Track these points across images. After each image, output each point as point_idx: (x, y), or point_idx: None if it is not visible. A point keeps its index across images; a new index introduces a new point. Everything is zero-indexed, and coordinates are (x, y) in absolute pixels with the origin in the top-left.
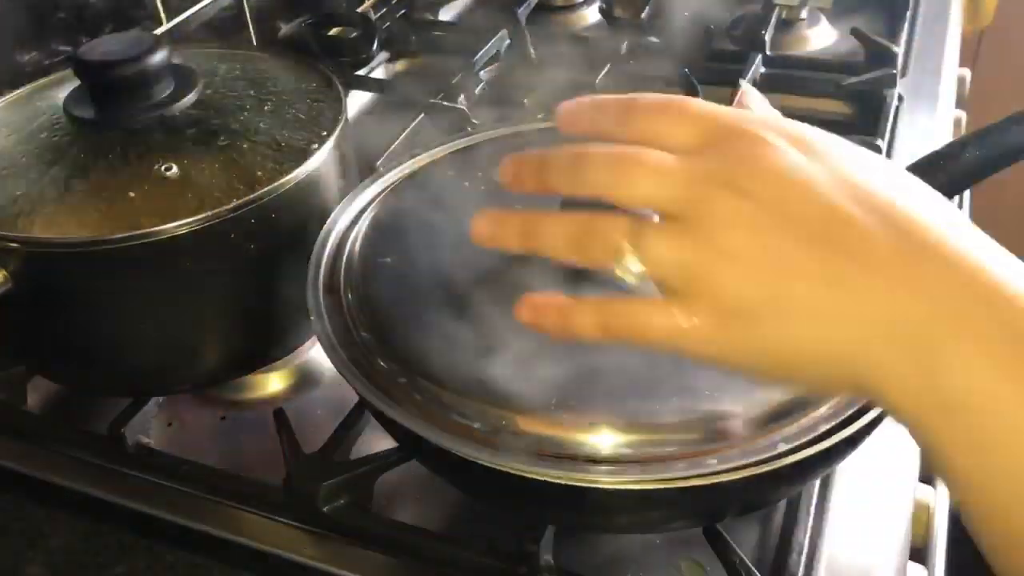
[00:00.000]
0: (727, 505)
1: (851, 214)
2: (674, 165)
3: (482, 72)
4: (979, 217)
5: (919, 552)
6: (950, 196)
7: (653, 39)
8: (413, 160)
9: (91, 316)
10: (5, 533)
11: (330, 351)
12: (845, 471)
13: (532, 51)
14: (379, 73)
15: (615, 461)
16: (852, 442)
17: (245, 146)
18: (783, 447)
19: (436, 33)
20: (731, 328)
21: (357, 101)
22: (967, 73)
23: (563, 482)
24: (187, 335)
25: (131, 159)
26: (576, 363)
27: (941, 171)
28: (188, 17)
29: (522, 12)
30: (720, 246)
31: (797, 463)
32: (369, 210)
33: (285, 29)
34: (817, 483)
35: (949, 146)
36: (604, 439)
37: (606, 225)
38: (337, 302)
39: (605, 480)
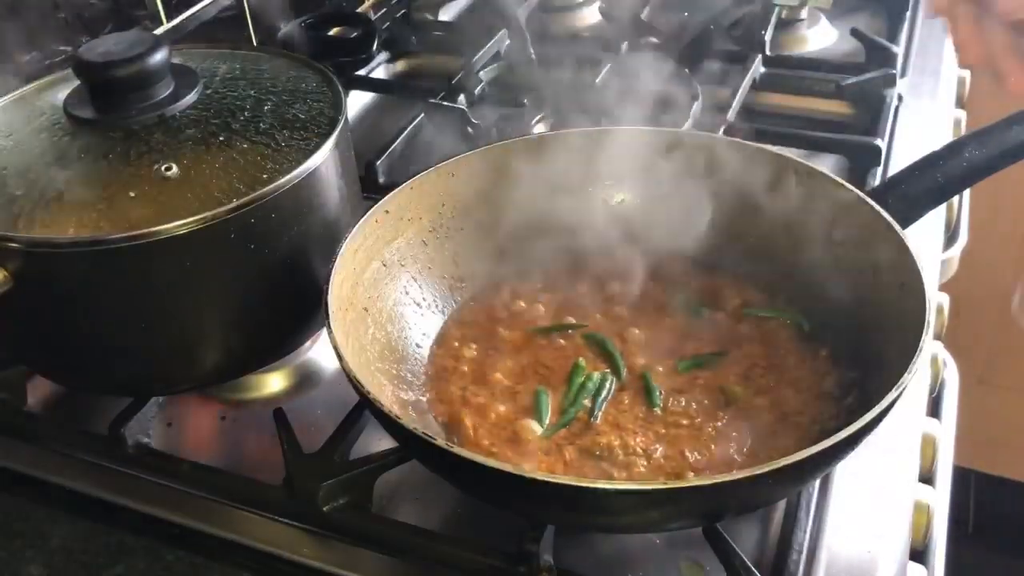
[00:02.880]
0: (727, 505)
1: None
2: None
3: (482, 72)
4: (978, 218)
5: (919, 552)
6: (949, 196)
7: (653, 39)
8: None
9: (91, 316)
10: (5, 533)
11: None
12: (845, 471)
13: (532, 51)
14: (379, 73)
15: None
16: (852, 442)
17: (245, 146)
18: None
19: (436, 33)
20: None
21: (357, 101)
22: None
23: (563, 482)
24: (187, 335)
25: (131, 159)
26: None
27: (940, 171)
28: (188, 17)
29: (522, 12)
30: None
31: (797, 463)
32: None
33: (285, 29)
34: (817, 483)
35: (948, 146)
36: None
37: None
38: None
39: (605, 481)
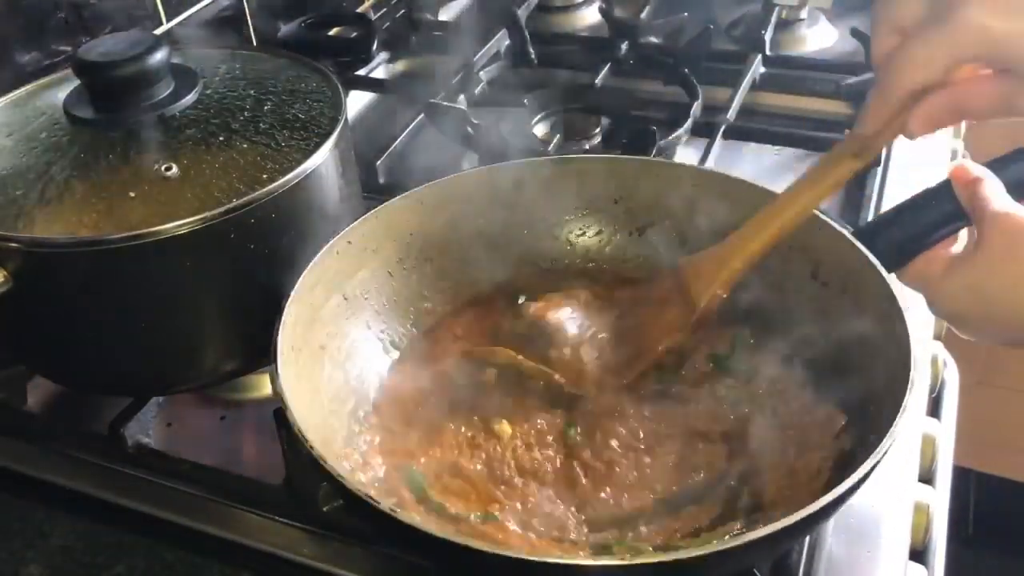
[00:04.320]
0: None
1: None
2: None
3: (482, 72)
4: None
5: (919, 552)
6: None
7: (653, 39)
8: None
9: (91, 316)
10: (5, 533)
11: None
12: None
13: (532, 51)
14: (379, 73)
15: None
16: (834, 507)
17: (245, 146)
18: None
19: (436, 33)
20: None
21: (357, 101)
22: None
23: (548, 560)
24: (187, 335)
25: (131, 159)
26: None
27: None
28: (188, 17)
29: (522, 12)
30: None
31: (786, 527)
32: None
33: (285, 29)
34: None
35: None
36: None
37: None
38: None
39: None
